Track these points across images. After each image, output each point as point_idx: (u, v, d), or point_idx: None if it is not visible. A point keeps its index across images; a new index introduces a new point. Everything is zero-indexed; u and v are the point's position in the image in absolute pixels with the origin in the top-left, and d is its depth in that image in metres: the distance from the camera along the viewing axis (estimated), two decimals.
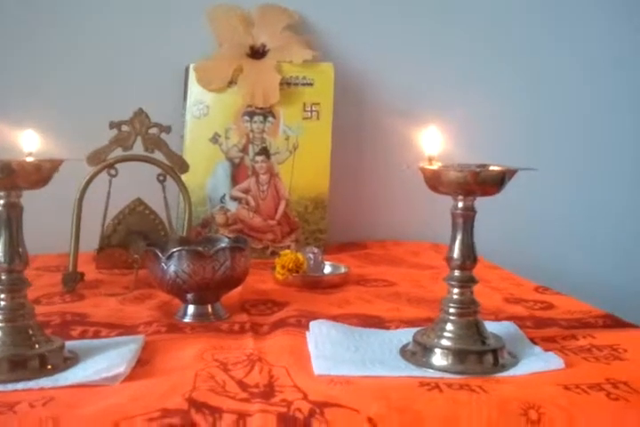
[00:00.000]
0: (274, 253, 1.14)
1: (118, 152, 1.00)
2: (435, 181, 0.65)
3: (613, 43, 1.40)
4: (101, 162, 0.98)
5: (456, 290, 0.66)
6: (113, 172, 0.99)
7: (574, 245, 1.41)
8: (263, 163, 1.20)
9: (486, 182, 0.64)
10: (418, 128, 0.73)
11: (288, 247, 1.17)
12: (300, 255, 0.99)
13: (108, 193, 1.00)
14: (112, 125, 0.99)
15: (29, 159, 0.65)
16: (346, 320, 0.78)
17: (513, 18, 1.37)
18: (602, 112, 1.42)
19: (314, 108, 1.21)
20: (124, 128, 1.00)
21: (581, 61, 1.40)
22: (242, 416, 0.52)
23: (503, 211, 1.19)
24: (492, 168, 0.66)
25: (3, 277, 0.62)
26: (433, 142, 0.69)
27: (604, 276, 1.39)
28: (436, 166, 0.66)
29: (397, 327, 0.77)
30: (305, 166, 1.20)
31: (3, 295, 0.62)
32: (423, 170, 0.65)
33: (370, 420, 0.52)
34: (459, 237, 0.66)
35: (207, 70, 1.20)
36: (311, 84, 1.21)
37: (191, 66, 1.19)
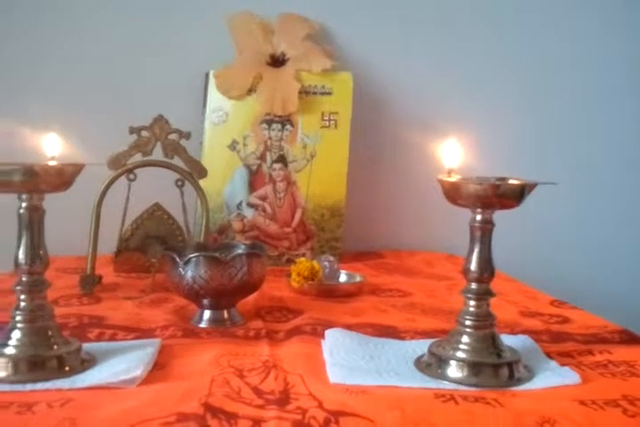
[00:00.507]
0: (289, 261, 1.14)
1: (138, 157, 1.01)
2: (454, 194, 0.65)
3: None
4: (121, 166, 0.99)
5: (472, 302, 0.66)
6: (132, 176, 1.00)
7: (592, 259, 1.41)
8: (280, 170, 1.20)
9: (506, 196, 0.64)
10: (437, 140, 0.73)
11: (303, 255, 1.17)
12: (315, 263, 0.99)
13: (127, 197, 1.01)
14: (132, 131, 1.00)
15: (52, 163, 0.66)
16: (361, 329, 0.78)
17: (536, 31, 1.37)
18: (625, 121, 1.41)
19: (332, 117, 1.21)
20: (144, 133, 1.01)
21: (601, 71, 1.40)
22: (257, 423, 0.52)
23: (521, 223, 1.19)
24: (511, 181, 0.66)
25: (23, 279, 0.63)
26: (452, 155, 0.69)
27: (623, 289, 1.39)
28: (455, 179, 0.66)
29: (412, 338, 0.77)
30: (322, 175, 1.21)
31: (23, 296, 0.63)
32: (442, 182, 0.66)
33: None
34: (476, 250, 0.66)
35: (227, 77, 1.21)
36: (330, 93, 1.21)
37: (211, 73, 1.20)
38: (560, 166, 1.38)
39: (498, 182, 0.64)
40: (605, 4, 1.38)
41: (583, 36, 1.39)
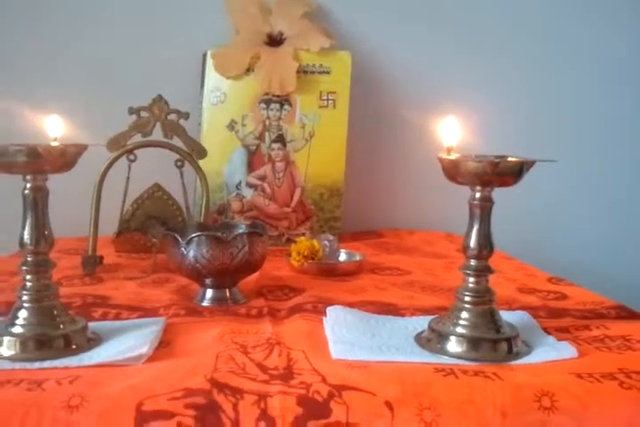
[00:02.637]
0: (289, 241, 1.15)
1: (137, 138, 1.01)
2: (453, 172, 0.65)
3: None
4: (121, 147, 0.99)
5: (472, 279, 0.67)
6: (132, 157, 1.01)
7: (591, 238, 1.42)
8: (279, 150, 1.21)
9: (504, 173, 0.64)
10: (435, 119, 0.73)
11: (303, 235, 1.18)
12: (315, 242, 1.00)
13: (127, 178, 1.01)
14: (131, 111, 1.00)
15: (55, 144, 0.66)
16: (361, 307, 0.79)
17: (534, 11, 1.37)
18: (624, 104, 1.41)
19: (330, 97, 1.21)
20: (144, 114, 1.01)
21: (599, 55, 1.40)
22: (262, 397, 0.53)
23: (520, 201, 1.20)
24: (510, 159, 0.66)
25: (28, 259, 0.64)
26: (451, 133, 0.70)
27: (620, 269, 1.40)
28: (454, 157, 0.66)
29: (412, 315, 0.78)
30: (321, 154, 1.21)
31: (29, 276, 0.63)
32: (441, 160, 0.66)
33: (387, 403, 0.53)
34: (475, 227, 0.67)
35: (225, 57, 1.20)
36: (328, 73, 1.21)
37: (209, 53, 1.20)
38: (559, 144, 1.38)
39: (497, 160, 0.65)
40: None
41: (586, 16, 1.38)
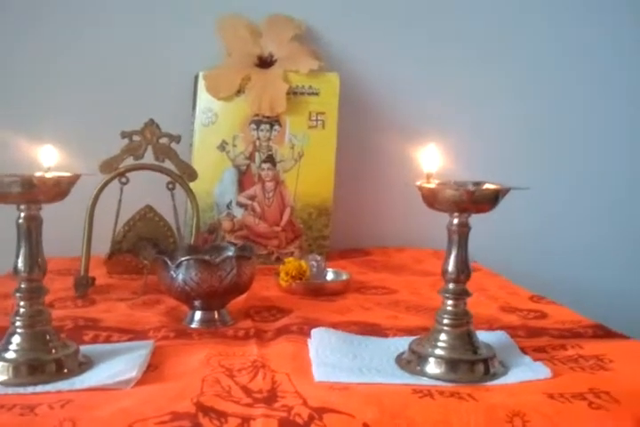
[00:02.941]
0: (278, 259, 1.18)
1: (129, 161, 1.04)
2: (431, 199, 0.68)
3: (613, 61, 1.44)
4: (113, 170, 1.02)
5: (450, 302, 0.70)
6: (124, 180, 1.03)
7: (570, 254, 1.45)
8: (269, 170, 1.23)
9: (480, 201, 0.67)
10: (417, 144, 0.76)
11: (292, 254, 1.20)
12: (303, 263, 1.02)
13: (120, 200, 1.03)
14: (124, 135, 1.03)
15: (49, 174, 0.69)
16: (346, 328, 0.81)
17: (518, 37, 1.41)
18: (596, 128, 1.46)
19: (319, 118, 1.24)
20: (136, 138, 1.04)
21: (583, 79, 1.44)
22: (246, 420, 0.55)
23: (506, 219, 1.23)
24: (486, 186, 0.69)
25: (22, 286, 0.66)
26: (431, 160, 0.72)
27: (601, 284, 1.43)
28: (433, 184, 0.69)
29: (395, 335, 0.80)
30: (310, 174, 1.24)
31: (22, 302, 0.66)
32: (421, 188, 0.69)
33: (365, 425, 0.56)
34: (453, 252, 0.70)
35: (216, 79, 1.23)
36: (317, 94, 1.24)
37: (201, 74, 1.23)
38: (538, 170, 1.42)
39: (472, 188, 0.68)
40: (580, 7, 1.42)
41: (565, 42, 1.43)
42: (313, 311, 0.89)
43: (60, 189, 0.66)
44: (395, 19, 1.37)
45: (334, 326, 0.81)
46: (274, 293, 1.00)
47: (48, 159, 0.72)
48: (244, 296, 0.90)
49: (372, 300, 0.98)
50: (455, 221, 0.69)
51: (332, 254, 1.27)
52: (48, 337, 0.66)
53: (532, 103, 1.42)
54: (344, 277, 1.06)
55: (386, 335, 0.80)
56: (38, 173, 0.68)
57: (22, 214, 0.65)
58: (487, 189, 0.68)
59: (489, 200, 0.68)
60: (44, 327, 0.66)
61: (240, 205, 1.23)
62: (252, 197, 1.23)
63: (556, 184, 1.43)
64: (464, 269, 0.69)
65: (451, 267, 0.70)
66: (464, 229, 0.69)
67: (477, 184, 0.70)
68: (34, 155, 0.73)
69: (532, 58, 1.42)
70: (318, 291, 1.00)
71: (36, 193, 0.64)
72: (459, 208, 0.68)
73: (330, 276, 1.07)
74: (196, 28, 1.30)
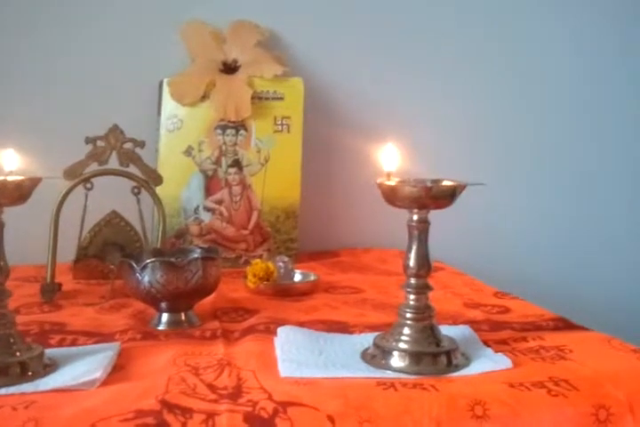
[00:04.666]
0: (247, 263, 1.18)
1: (94, 166, 1.04)
2: (391, 196, 0.70)
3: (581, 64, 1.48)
4: (78, 176, 1.02)
5: (412, 296, 0.71)
6: (89, 185, 1.03)
7: (532, 251, 1.48)
8: (236, 175, 1.24)
9: (438, 197, 0.69)
10: (380, 143, 0.78)
11: (260, 256, 1.21)
12: (270, 264, 1.03)
13: (85, 206, 1.03)
14: (88, 141, 1.03)
15: (10, 178, 0.69)
16: (313, 326, 0.82)
17: (476, 42, 1.44)
18: (558, 122, 1.50)
19: (284, 122, 1.25)
20: (100, 143, 1.04)
21: (543, 77, 1.48)
22: (210, 416, 0.56)
23: (470, 218, 1.26)
24: (444, 183, 0.71)
25: None
26: (390, 159, 0.74)
27: (565, 279, 1.47)
28: (392, 182, 0.71)
29: (361, 332, 0.81)
30: (276, 178, 1.25)
31: None
32: (380, 185, 0.70)
33: (329, 417, 0.57)
34: (414, 248, 0.71)
35: (181, 85, 1.24)
36: (282, 99, 1.25)
37: (165, 81, 1.23)
38: (494, 166, 1.46)
39: (430, 185, 0.69)
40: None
41: (529, 39, 1.46)
42: (280, 311, 0.90)
43: (21, 193, 0.66)
44: (357, 22, 1.39)
45: (301, 324, 0.82)
46: (242, 294, 1.00)
47: (10, 163, 0.72)
48: (211, 298, 0.90)
49: (339, 299, 0.99)
50: (415, 217, 0.71)
51: (302, 256, 1.28)
52: (12, 340, 0.65)
53: (489, 102, 1.46)
54: (312, 277, 1.07)
55: (352, 332, 0.81)
56: None
57: None
58: (444, 186, 0.70)
59: (446, 196, 0.69)
60: (8, 331, 0.66)
61: (207, 209, 1.23)
62: (220, 202, 1.24)
63: (518, 180, 1.47)
64: (424, 264, 0.71)
65: (412, 262, 0.71)
66: (423, 225, 0.71)
67: (436, 181, 0.72)
68: None
69: (491, 55, 1.45)
70: (286, 292, 1.01)
71: None
72: (417, 204, 0.69)
73: (297, 277, 1.08)
74: (160, 35, 1.30)
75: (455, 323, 0.84)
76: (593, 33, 1.48)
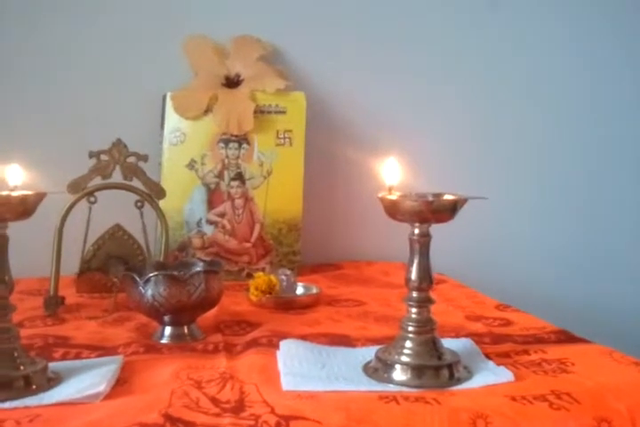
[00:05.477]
0: (249, 276, 1.18)
1: (98, 180, 1.04)
2: (393, 210, 0.70)
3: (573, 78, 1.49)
4: (81, 190, 1.03)
5: (414, 309, 0.72)
6: (93, 199, 1.04)
7: (534, 263, 1.49)
8: (238, 188, 1.25)
9: (439, 211, 0.69)
10: (385, 158, 0.78)
11: (263, 269, 1.21)
12: (272, 277, 1.04)
13: (88, 219, 1.04)
14: (91, 155, 1.04)
15: (15, 193, 0.69)
16: (315, 339, 0.82)
17: (476, 54, 1.45)
18: (559, 135, 1.50)
19: (286, 135, 1.26)
20: (103, 157, 1.04)
21: (539, 91, 1.48)
22: None
23: (473, 232, 1.26)
24: (445, 197, 0.72)
25: None
26: (392, 173, 0.75)
27: (568, 292, 1.47)
28: (394, 196, 0.71)
29: (363, 345, 0.81)
30: (279, 191, 1.25)
31: None
32: (382, 200, 0.71)
33: None
34: (416, 261, 0.72)
35: (184, 99, 1.25)
36: (284, 112, 1.26)
37: (168, 95, 1.24)
38: (496, 180, 1.46)
39: (431, 199, 0.70)
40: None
41: (527, 52, 1.47)
42: (283, 324, 0.90)
43: (25, 208, 0.67)
44: (359, 37, 1.40)
45: (304, 337, 0.82)
46: (244, 307, 1.01)
47: (14, 178, 0.73)
48: (214, 311, 0.90)
49: (341, 312, 0.99)
50: (416, 231, 0.71)
51: (305, 269, 1.28)
52: (16, 354, 0.66)
53: (491, 116, 1.46)
54: (314, 290, 1.07)
55: (354, 346, 0.81)
56: (4, 192, 0.68)
57: None
58: (445, 200, 0.71)
59: (447, 210, 0.70)
60: (12, 344, 0.66)
61: (210, 222, 1.24)
62: (222, 215, 1.24)
63: (521, 193, 1.48)
64: (426, 278, 0.72)
65: (413, 275, 0.72)
66: (425, 239, 0.71)
67: (437, 195, 0.72)
68: (0, 174, 0.74)
69: (494, 70, 1.46)
70: (288, 305, 1.01)
71: (1, 211, 0.65)
72: (419, 218, 0.70)
73: (300, 290, 1.08)
74: (163, 49, 1.31)
75: (457, 336, 0.84)
76: (595, 37, 1.48)
